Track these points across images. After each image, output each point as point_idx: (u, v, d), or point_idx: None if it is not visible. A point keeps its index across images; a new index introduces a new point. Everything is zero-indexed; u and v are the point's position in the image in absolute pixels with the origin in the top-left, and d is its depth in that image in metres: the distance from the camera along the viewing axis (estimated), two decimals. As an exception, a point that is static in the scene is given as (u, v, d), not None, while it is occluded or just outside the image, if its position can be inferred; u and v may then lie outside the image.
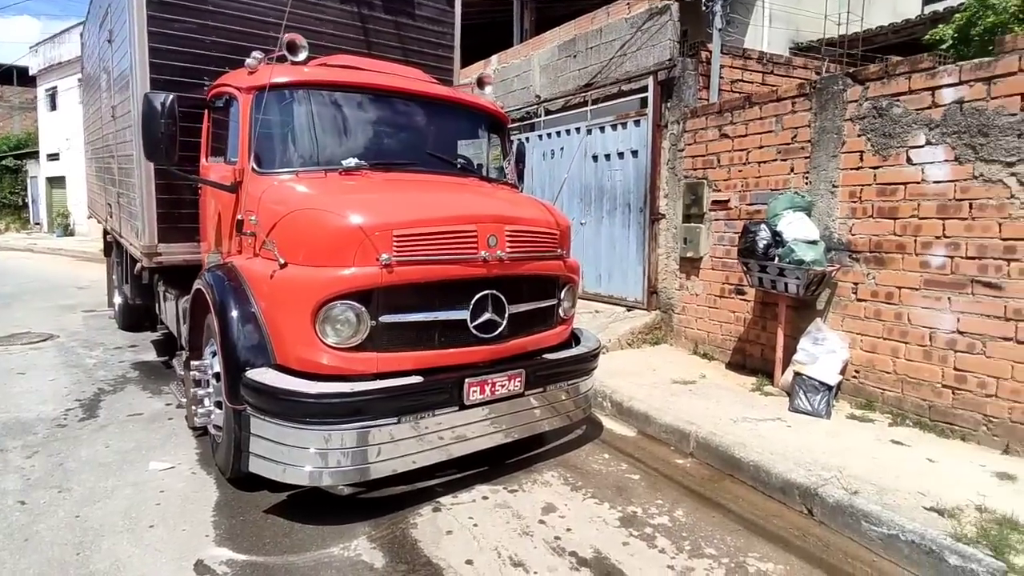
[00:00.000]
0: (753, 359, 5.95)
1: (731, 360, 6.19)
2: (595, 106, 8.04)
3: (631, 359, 6.38)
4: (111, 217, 7.10)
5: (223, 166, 4.28)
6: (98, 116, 7.72)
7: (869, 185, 4.85)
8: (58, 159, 26.11)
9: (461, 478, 3.93)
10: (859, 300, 4.94)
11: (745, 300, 6.05)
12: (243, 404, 3.34)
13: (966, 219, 4.24)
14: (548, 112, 9.03)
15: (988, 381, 4.14)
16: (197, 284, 3.99)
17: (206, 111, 4.58)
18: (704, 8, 6.88)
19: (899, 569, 3.05)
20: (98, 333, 8.00)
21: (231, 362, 3.43)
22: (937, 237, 4.41)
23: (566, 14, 9.05)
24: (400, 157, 4.35)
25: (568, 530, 3.38)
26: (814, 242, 4.99)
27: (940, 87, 4.36)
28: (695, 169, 6.60)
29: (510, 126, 6.16)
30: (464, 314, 3.60)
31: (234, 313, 3.52)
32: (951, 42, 7.30)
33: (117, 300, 8.22)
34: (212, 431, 3.91)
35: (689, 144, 6.67)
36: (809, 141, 5.33)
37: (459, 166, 4.63)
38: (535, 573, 2.99)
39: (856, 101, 4.91)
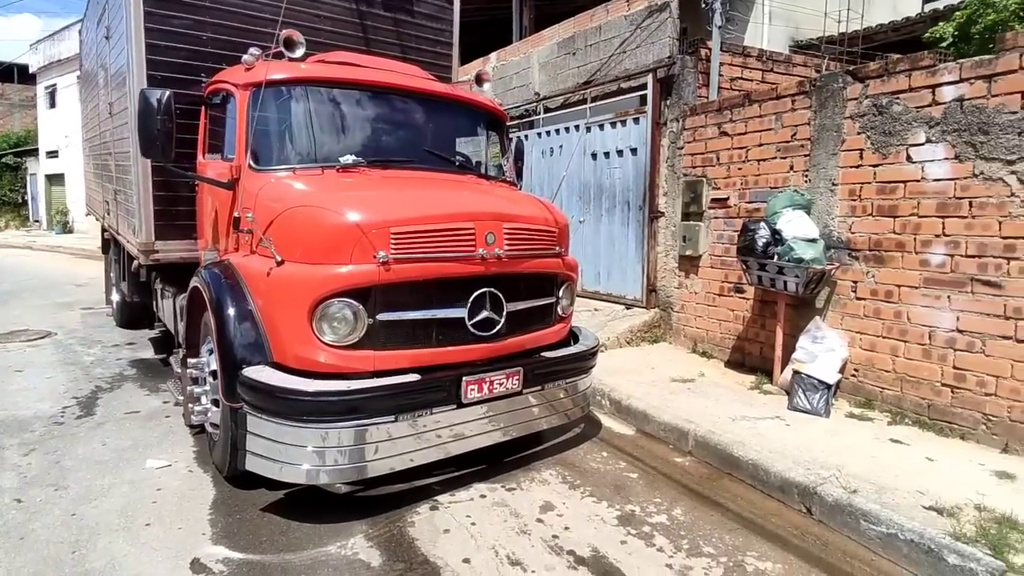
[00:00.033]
0: (752, 357, 5.94)
1: (730, 358, 6.17)
2: (594, 104, 8.02)
3: (630, 357, 6.37)
4: (108, 214, 7.08)
5: (220, 163, 4.26)
6: (96, 113, 7.70)
7: (869, 183, 4.84)
8: (57, 156, 26.08)
9: (459, 476, 3.92)
10: (858, 298, 4.93)
11: (744, 298, 6.04)
12: (240, 402, 3.33)
13: (966, 217, 4.23)
14: (547, 110, 9.01)
15: (987, 380, 4.13)
16: (194, 282, 3.98)
17: (203, 108, 4.56)
18: (704, 5, 6.86)
19: (898, 568, 3.04)
20: (96, 331, 7.98)
21: (228, 360, 3.41)
22: (937, 235, 4.40)
23: (566, 11, 9.03)
24: (398, 154, 4.33)
25: (566, 529, 3.37)
26: (813, 240, 4.98)
27: (940, 85, 4.34)
28: (694, 167, 6.58)
29: (509, 124, 6.14)
30: (462, 312, 3.59)
31: (231, 311, 3.51)
32: (951, 40, 7.29)
33: (115, 297, 8.20)
34: (209, 429, 3.89)
35: (688, 142, 6.66)
36: (809, 139, 5.31)
37: (457, 163, 4.62)
38: (533, 572, 2.97)
39: (856, 99, 4.89)
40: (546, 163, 9.01)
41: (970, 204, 4.21)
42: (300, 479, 3.27)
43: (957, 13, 7.35)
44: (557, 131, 8.77)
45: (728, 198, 6.16)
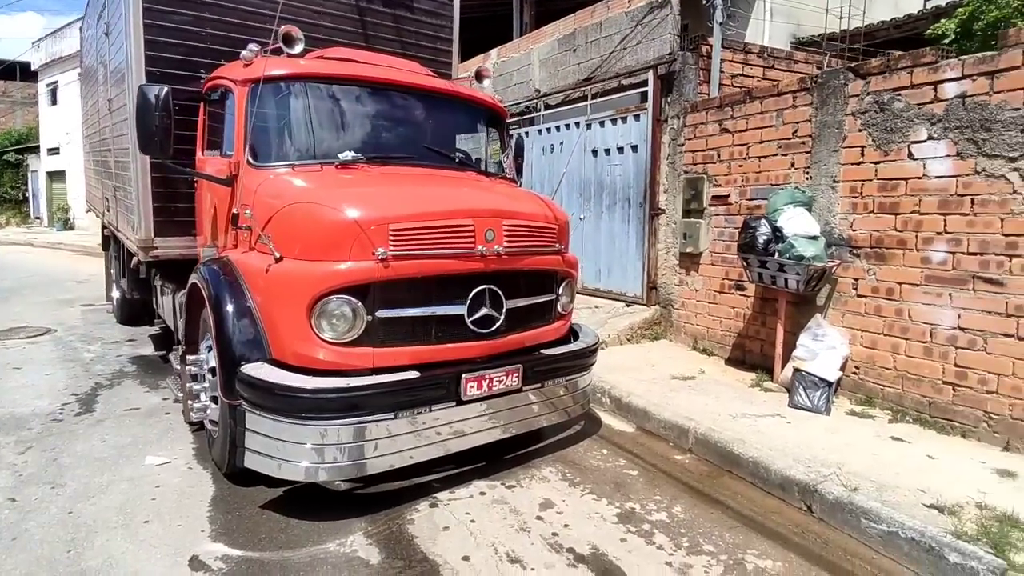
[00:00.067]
0: (753, 355, 5.92)
1: (731, 356, 6.16)
2: (595, 100, 8.00)
3: (630, 355, 6.36)
4: (108, 211, 7.07)
5: (219, 159, 4.25)
6: (96, 110, 7.69)
7: (870, 180, 4.82)
8: (58, 153, 26.06)
9: (459, 474, 3.91)
10: (859, 296, 4.92)
11: (745, 296, 6.02)
12: (238, 399, 3.32)
13: (968, 215, 4.21)
14: (548, 106, 8.98)
15: (989, 378, 4.11)
16: (193, 278, 3.97)
17: (202, 104, 4.54)
18: (705, 2, 6.83)
19: (899, 567, 3.03)
20: (96, 327, 7.98)
21: (226, 357, 3.41)
22: (938, 233, 4.38)
23: (566, 8, 9.00)
24: (397, 151, 4.31)
25: (566, 526, 3.36)
26: (814, 237, 4.96)
27: (942, 81, 4.32)
28: (695, 164, 6.56)
29: (510, 120, 6.13)
30: (461, 309, 3.57)
31: (229, 308, 3.50)
32: (953, 37, 7.27)
33: (115, 294, 8.20)
34: (208, 426, 3.89)
35: (689, 139, 6.64)
36: (810, 136, 5.29)
37: (457, 160, 4.60)
38: (532, 569, 2.97)
39: (857, 96, 4.87)
40: (547, 160, 8.99)
41: (972, 201, 4.19)
42: (299, 476, 3.26)
43: (959, 10, 7.33)
44: (558, 128, 8.75)
45: (729, 195, 6.14)
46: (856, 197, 4.92)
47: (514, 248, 3.72)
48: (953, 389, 4.31)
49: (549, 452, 4.34)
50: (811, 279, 4.95)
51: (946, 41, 7.28)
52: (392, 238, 3.30)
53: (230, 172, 3.98)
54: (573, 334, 4.48)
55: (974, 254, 4.18)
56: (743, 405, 4.82)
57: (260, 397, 3.23)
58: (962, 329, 4.26)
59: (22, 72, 28.64)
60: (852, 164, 4.95)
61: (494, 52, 10.35)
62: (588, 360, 4.35)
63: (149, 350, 6.79)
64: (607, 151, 7.83)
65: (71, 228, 24.91)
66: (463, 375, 3.53)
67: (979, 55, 4.17)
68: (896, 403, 4.65)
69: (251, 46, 4.03)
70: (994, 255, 4.08)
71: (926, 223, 4.45)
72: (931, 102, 4.39)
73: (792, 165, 5.48)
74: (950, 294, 4.32)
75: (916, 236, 4.51)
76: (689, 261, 6.68)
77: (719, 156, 6.25)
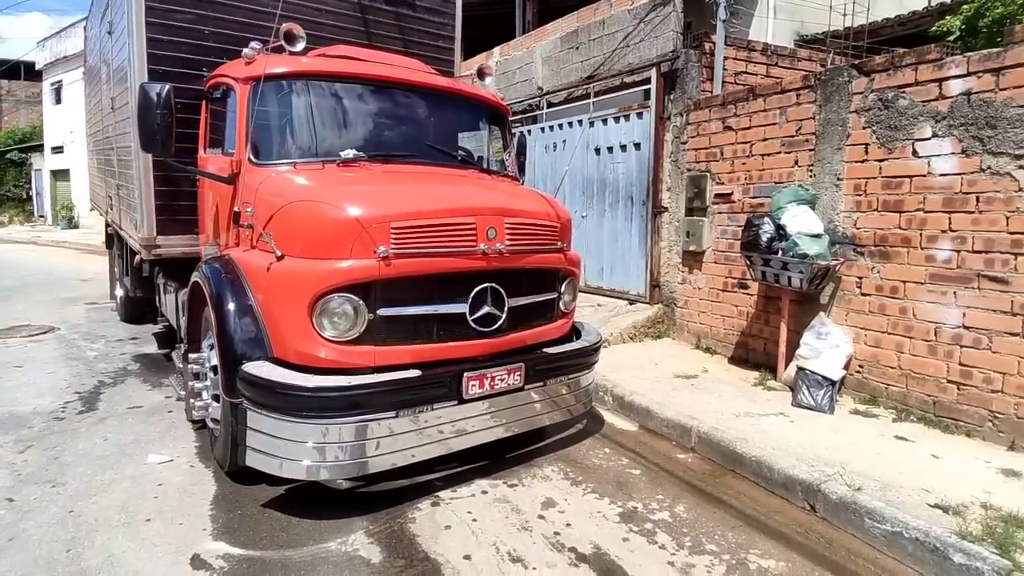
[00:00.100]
0: (756, 353, 5.90)
1: (734, 354, 6.14)
2: (598, 98, 7.96)
3: (633, 353, 6.34)
4: (111, 209, 7.09)
5: (221, 157, 4.24)
6: (99, 108, 7.70)
7: (874, 178, 4.79)
8: (62, 152, 26.13)
9: (460, 472, 3.90)
10: (863, 294, 4.89)
11: (748, 294, 6.00)
12: (240, 397, 3.32)
13: (973, 212, 4.18)
14: (550, 104, 8.96)
15: (994, 376, 4.08)
16: (194, 276, 3.96)
17: (204, 102, 4.54)
18: (708, -1, 6.81)
19: (903, 567, 3.01)
20: (100, 325, 8.00)
21: (228, 355, 3.40)
22: (943, 231, 4.35)
23: (569, 6, 8.98)
24: (399, 149, 4.30)
25: (568, 525, 3.35)
26: (818, 236, 4.93)
27: (947, 79, 4.29)
28: (698, 162, 6.54)
29: (512, 118, 6.11)
30: (463, 307, 3.56)
31: (231, 306, 3.49)
32: (958, 34, 7.23)
33: (119, 292, 8.22)
34: (210, 424, 3.89)
35: (692, 136, 6.61)
36: (813, 133, 5.27)
37: (459, 158, 4.59)
38: (534, 569, 2.96)
39: (861, 93, 4.84)
40: (549, 158, 8.97)
41: (977, 199, 4.16)
42: (300, 475, 3.26)
43: (964, 7, 7.28)
44: (560, 126, 8.73)
45: (732, 193, 6.12)
46: (860, 195, 4.89)
47: (516, 246, 3.71)
48: (958, 388, 4.29)
49: (551, 451, 4.33)
50: (815, 277, 4.92)
51: (951, 38, 7.23)
52: (394, 236, 3.30)
53: (232, 170, 3.98)
54: (575, 332, 4.47)
55: (979, 252, 4.15)
56: (746, 404, 4.80)
57: (261, 395, 3.23)
58: (967, 328, 4.23)
59: (26, 71, 28.72)
60: (856, 162, 4.92)
61: (497, 50, 10.33)
62: (590, 358, 4.34)
63: (152, 348, 6.80)
64: (610, 149, 7.81)
65: (75, 226, 24.97)
66: (465, 374, 3.52)
67: (984, 52, 4.14)
68: (900, 402, 4.63)
69: (253, 44, 4.02)
70: (999, 253, 4.05)
71: (931, 221, 4.43)
72: (936, 99, 4.36)
73: (796, 163, 5.45)
74: (955, 292, 4.29)
75: (920, 234, 4.49)
76: (692, 259, 6.66)
77: (722, 154, 6.23)
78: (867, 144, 4.82)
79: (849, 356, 4.93)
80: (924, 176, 4.46)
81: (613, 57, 7.69)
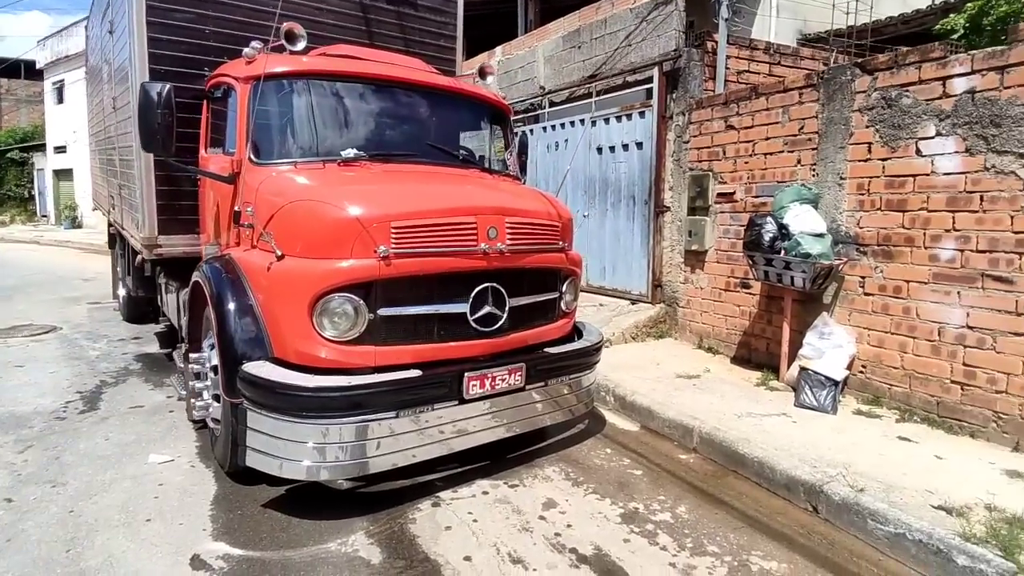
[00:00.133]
0: (758, 353, 5.88)
1: (736, 354, 6.12)
2: (599, 98, 7.95)
3: (635, 353, 6.33)
4: (114, 209, 7.09)
5: (221, 157, 4.24)
6: (101, 108, 7.71)
7: (877, 177, 4.77)
8: (65, 152, 26.17)
9: (461, 472, 3.89)
10: (866, 294, 4.87)
11: (750, 294, 5.98)
12: (240, 397, 3.31)
13: (977, 212, 4.16)
14: (552, 104, 8.95)
15: (998, 377, 4.06)
16: (195, 276, 3.96)
17: (205, 102, 4.53)
18: (710, -2, 6.78)
19: (906, 569, 2.99)
20: (102, 325, 8.00)
21: (228, 355, 3.39)
22: (947, 230, 4.33)
23: (571, 5, 8.96)
24: (400, 148, 4.28)
25: (568, 526, 3.34)
26: (821, 235, 4.91)
27: (951, 77, 4.26)
28: (700, 161, 6.52)
29: (514, 118, 6.10)
30: (464, 307, 3.55)
31: (231, 306, 3.49)
32: (963, 32, 7.21)
33: (121, 292, 8.23)
34: (211, 424, 3.88)
35: (694, 136, 6.59)
36: (816, 132, 5.24)
37: (460, 157, 4.57)
38: (534, 570, 2.94)
39: (864, 92, 4.82)
40: (551, 157, 8.96)
41: (981, 198, 4.13)
42: (300, 475, 3.25)
43: (968, 4, 7.25)
44: (562, 125, 8.71)
45: (734, 192, 6.10)
46: (863, 194, 4.87)
47: (517, 245, 3.70)
48: (962, 388, 4.26)
49: (552, 451, 4.32)
50: (817, 277, 4.90)
51: (955, 36, 7.21)
52: (394, 236, 3.28)
53: (232, 170, 3.97)
54: (577, 332, 4.46)
55: (983, 252, 4.13)
56: (748, 404, 4.78)
57: (261, 395, 3.22)
58: (971, 328, 4.20)
59: (26, 70, 28.75)
60: (859, 161, 4.90)
61: (499, 49, 10.32)
62: (592, 358, 4.32)
63: (154, 348, 6.78)
64: (612, 148, 7.79)
65: (79, 226, 25.01)
66: (465, 374, 3.51)
67: (989, 50, 4.11)
68: (903, 402, 4.60)
69: (253, 43, 4.02)
70: (1004, 253, 4.02)
71: (934, 220, 4.40)
72: (939, 98, 4.33)
73: (798, 162, 5.43)
74: (959, 292, 4.26)
75: (924, 234, 4.46)
76: (694, 259, 6.64)
77: (724, 153, 6.21)
78: (870, 143, 4.80)
79: (852, 356, 4.90)
80: (928, 175, 4.43)
81: (615, 56, 7.67)
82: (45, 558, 2.91)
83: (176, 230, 4.97)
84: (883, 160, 4.72)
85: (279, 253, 3.37)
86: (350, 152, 3.90)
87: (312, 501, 3.52)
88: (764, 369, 5.59)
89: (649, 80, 7.16)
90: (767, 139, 5.73)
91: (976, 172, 4.15)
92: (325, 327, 3.25)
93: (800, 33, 9.89)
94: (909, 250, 4.56)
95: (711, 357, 6.24)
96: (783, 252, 5.00)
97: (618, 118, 7.65)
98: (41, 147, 28.22)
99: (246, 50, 4.02)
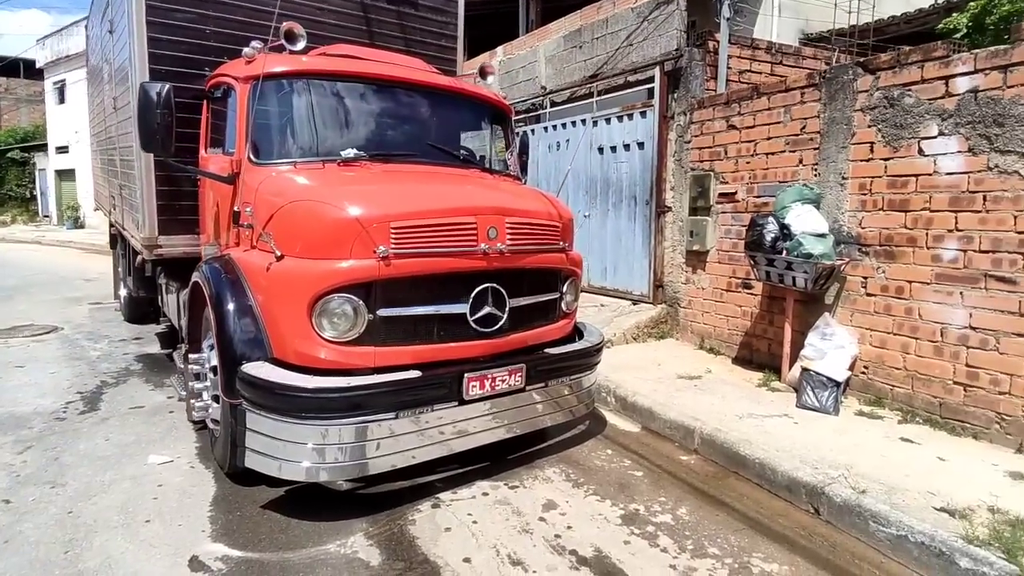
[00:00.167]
0: (760, 354, 5.86)
1: (738, 355, 6.10)
2: (601, 97, 7.94)
3: (636, 353, 6.31)
4: (115, 209, 7.09)
5: (221, 157, 4.23)
6: (101, 108, 7.71)
7: (880, 177, 4.75)
8: (67, 152, 26.20)
9: (462, 474, 3.88)
10: (868, 294, 4.85)
11: (752, 294, 5.96)
12: (239, 398, 3.30)
13: (980, 212, 4.14)
14: (553, 104, 8.93)
15: (1001, 378, 4.04)
16: (194, 276, 3.95)
17: (205, 102, 4.52)
18: (712, -3, 6.76)
19: (908, 571, 2.97)
20: (103, 325, 8.00)
21: (227, 356, 3.38)
22: (949, 230, 4.31)
23: (572, 4, 8.94)
24: (400, 148, 4.27)
25: (568, 528, 3.32)
26: (823, 235, 4.89)
27: (954, 76, 4.24)
28: (702, 161, 6.50)
29: (515, 118, 6.08)
30: (464, 308, 3.54)
31: (230, 306, 3.48)
32: (965, 31, 7.18)
33: (122, 292, 8.23)
34: (210, 425, 3.87)
35: (696, 135, 6.57)
36: (818, 132, 5.22)
37: (461, 157, 4.56)
38: (534, 572, 2.93)
39: (867, 91, 4.80)
40: (552, 157, 8.94)
41: (984, 198, 4.11)
42: (300, 477, 3.24)
43: (971, 3, 7.22)
44: (564, 125, 8.70)
45: (736, 192, 6.08)
46: (865, 194, 4.85)
47: (517, 246, 3.68)
48: (964, 390, 4.24)
49: (553, 452, 4.30)
50: (819, 277, 4.88)
51: (958, 36, 7.17)
52: (394, 236, 3.27)
53: (232, 170, 3.96)
54: (578, 333, 4.44)
55: (986, 252, 4.11)
56: (750, 405, 4.77)
57: (260, 396, 3.21)
58: (974, 328, 4.18)
59: (25, 69, 28.74)
60: (861, 161, 4.88)
61: (500, 49, 10.30)
62: (593, 359, 4.31)
63: (155, 348, 6.76)
64: (613, 148, 7.77)
65: (81, 226, 25.04)
66: (465, 374, 3.50)
67: (992, 49, 4.09)
68: (906, 404, 4.58)
69: (253, 43, 4.01)
70: (1007, 253, 4.00)
71: (937, 220, 4.38)
72: (942, 97, 4.31)
73: (800, 162, 5.41)
74: (961, 293, 4.24)
75: (927, 234, 4.44)
76: (696, 259, 6.62)
77: (726, 153, 6.19)
78: (872, 143, 4.78)
79: (854, 357, 4.88)
80: (930, 175, 4.41)
81: (616, 56, 7.66)
82: (43, 559, 2.90)
83: (176, 230, 4.96)
84: (885, 160, 4.70)
85: (278, 253, 3.36)
86: (350, 152, 3.89)
87: (311, 502, 3.51)
88: (766, 370, 5.57)
89: (650, 80, 7.14)
90: (769, 139, 5.71)
91: (979, 172, 4.13)
92: (324, 328, 3.24)
93: (802, 32, 9.87)
94: (911, 250, 4.54)
95: (713, 358, 6.22)
96: (785, 252, 4.99)
97: (619, 118, 7.64)
98: (43, 147, 28.24)
99: (246, 50, 4.01)
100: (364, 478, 3.52)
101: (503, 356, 3.73)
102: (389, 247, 3.25)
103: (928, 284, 4.43)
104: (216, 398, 3.69)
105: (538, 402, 3.94)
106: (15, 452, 4.07)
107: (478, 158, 4.73)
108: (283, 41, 3.82)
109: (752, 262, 5.40)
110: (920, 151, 4.47)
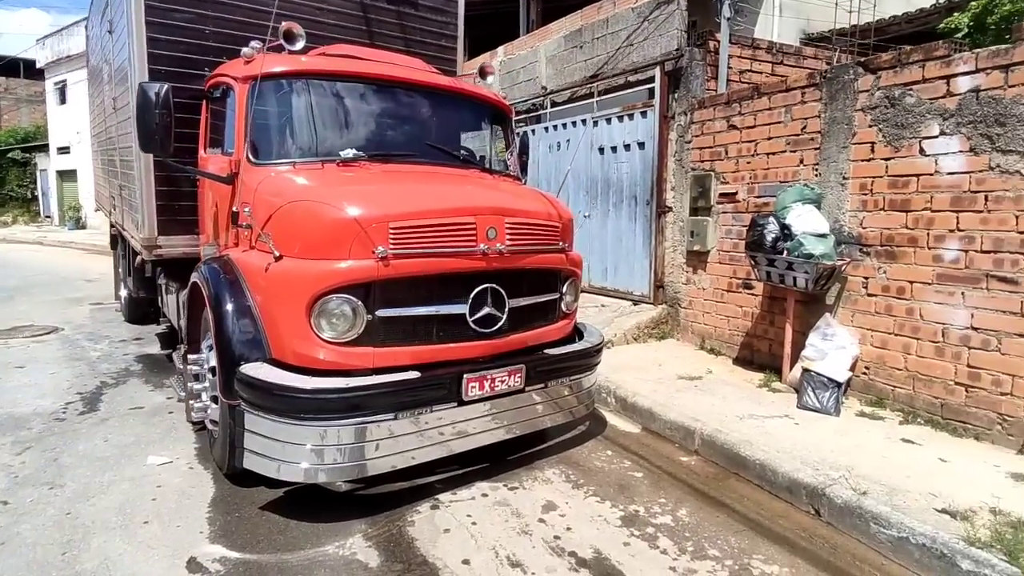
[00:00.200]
0: (761, 355, 5.85)
1: (738, 355, 6.08)
2: (601, 97, 7.93)
3: (637, 354, 6.30)
4: (115, 210, 7.09)
5: (220, 157, 4.22)
6: (101, 109, 7.71)
7: (880, 177, 4.73)
8: (68, 152, 26.21)
9: (461, 475, 3.86)
10: (870, 295, 4.83)
11: (753, 294, 5.94)
12: (237, 399, 3.29)
13: (981, 212, 4.12)
14: (554, 104, 8.92)
15: (1003, 379, 4.02)
16: (193, 277, 3.94)
17: (204, 102, 4.51)
18: (712, -3, 6.75)
19: (909, 573, 2.96)
20: (104, 326, 8.00)
21: (226, 356, 3.38)
22: (951, 230, 4.29)
23: (573, 4, 8.93)
24: (400, 148, 4.26)
25: (568, 529, 3.31)
26: (824, 235, 4.88)
27: (955, 75, 4.23)
28: (702, 161, 6.48)
29: (516, 118, 6.07)
30: (463, 308, 3.53)
31: (229, 307, 3.47)
32: (967, 31, 7.16)
33: (123, 293, 8.24)
34: (209, 426, 3.86)
35: (696, 135, 6.55)
36: (819, 132, 5.21)
37: (460, 158, 4.55)
38: (533, 574, 2.92)
39: (868, 91, 4.78)
40: (553, 158, 8.93)
41: (986, 198, 4.09)
42: (298, 478, 3.23)
43: (972, 3, 7.20)
44: (564, 125, 8.68)
45: (737, 192, 6.06)
46: (866, 194, 4.83)
47: (516, 246, 3.67)
48: (966, 390, 4.22)
49: (553, 453, 4.29)
50: (820, 278, 4.87)
51: (959, 35, 7.16)
52: (392, 236, 3.26)
53: (231, 170, 3.95)
54: (578, 333, 4.43)
55: (988, 252, 4.09)
56: (750, 406, 4.75)
57: (259, 397, 3.20)
58: (975, 329, 4.17)
59: (26, 69, 28.72)
60: (862, 161, 4.86)
61: (501, 50, 10.29)
62: (593, 360, 4.30)
63: (155, 348, 6.75)
64: (613, 148, 7.76)
65: (83, 227, 25.07)
66: (465, 375, 3.49)
67: (993, 48, 4.08)
68: (907, 404, 4.56)
69: (252, 43, 3.99)
70: (1009, 253, 3.98)
71: (938, 220, 4.36)
72: (943, 97, 4.30)
73: (801, 162, 5.39)
74: (963, 293, 4.23)
75: (928, 234, 4.42)
76: (696, 259, 6.61)
77: (727, 153, 6.17)
78: (873, 143, 4.76)
79: (855, 357, 4.87)
80: (931, 175, 4.39)
81: (617, 56, 7.64)
82: (40, 561, 2.89)
83: (176, 231, 4.95)
84: (886, 160, 4.68)
85: (277, 254, 3.35)
86: (349, 152, 3.88)
87: (310, 503, 3.50)
88: (766, 370, 5.55)
89: (651, 80, 7.12)
90: (769, 139, 5.69)
91: (980, 171, 4.12)
92: (323, 328, 3.23)
93: (803, 32, 9.85)
94: (912, 250, 4.52)
95: (713, 358, 6.21)
96: (785, 253, 4.97)
97: (620, 118, 7.62)
98: (44, 148, 28.26)
99: (244, 50, 4.00)
100: (363, 479, 3.50)
101: (502, 357, 3.72)
102: (388, 247, 3.24)
103: (929, 284, 4.42)
104: (215, 399, 3.68)
105: (538, 403, 3.93)
106: (14, 453, 4.06)
107: (478, 158, 4.72)
108: (282, 41, 3.81)
109: (753, 262, 5.38)
110: (921, 151, 4.45)
